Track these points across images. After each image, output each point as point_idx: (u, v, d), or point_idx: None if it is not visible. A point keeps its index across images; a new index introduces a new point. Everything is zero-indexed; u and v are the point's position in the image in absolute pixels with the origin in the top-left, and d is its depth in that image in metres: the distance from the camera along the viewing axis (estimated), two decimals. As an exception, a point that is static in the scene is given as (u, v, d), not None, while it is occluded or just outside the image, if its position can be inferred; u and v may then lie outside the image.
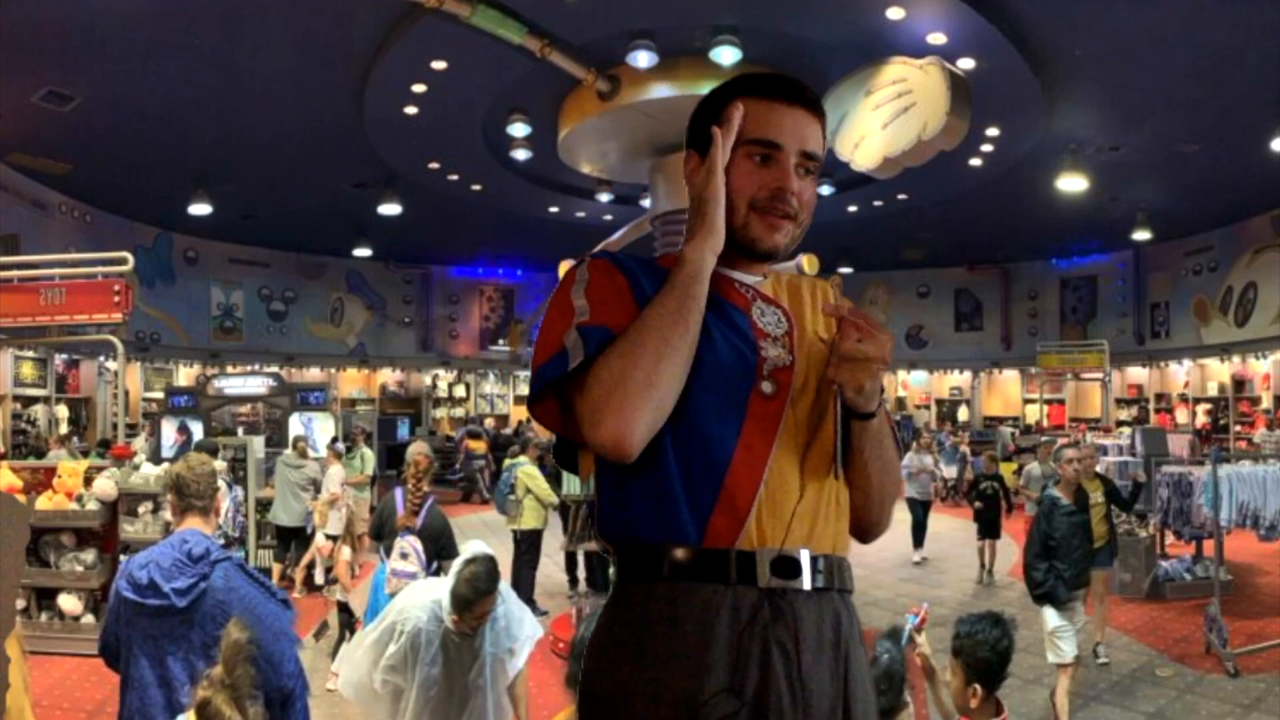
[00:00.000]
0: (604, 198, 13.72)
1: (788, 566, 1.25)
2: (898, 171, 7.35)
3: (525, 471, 8.30)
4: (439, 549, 5.00)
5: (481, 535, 8.90)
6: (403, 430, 17.76)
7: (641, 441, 1.22)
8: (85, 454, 10.38)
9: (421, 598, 3.42)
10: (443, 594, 3.31)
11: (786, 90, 1.39)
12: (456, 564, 3.36)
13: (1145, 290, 19.13)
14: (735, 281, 1.41)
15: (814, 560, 1.27)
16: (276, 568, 9.07)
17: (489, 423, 20.88)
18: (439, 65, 9.45)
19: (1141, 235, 16.31)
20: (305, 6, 8.50)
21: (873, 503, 1.40)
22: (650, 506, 1.27)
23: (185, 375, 17.70)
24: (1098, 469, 7.19)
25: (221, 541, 2.95)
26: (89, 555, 6.61)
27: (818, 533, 1.29)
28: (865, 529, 1.43)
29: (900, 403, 22.05)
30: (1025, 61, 9.18)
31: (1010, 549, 10.05)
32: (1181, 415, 18.12)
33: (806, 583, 1.25)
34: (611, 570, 1.37)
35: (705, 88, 1.82)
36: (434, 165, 12.92)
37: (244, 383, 13.29)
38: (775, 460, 1.28)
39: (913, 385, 22.47)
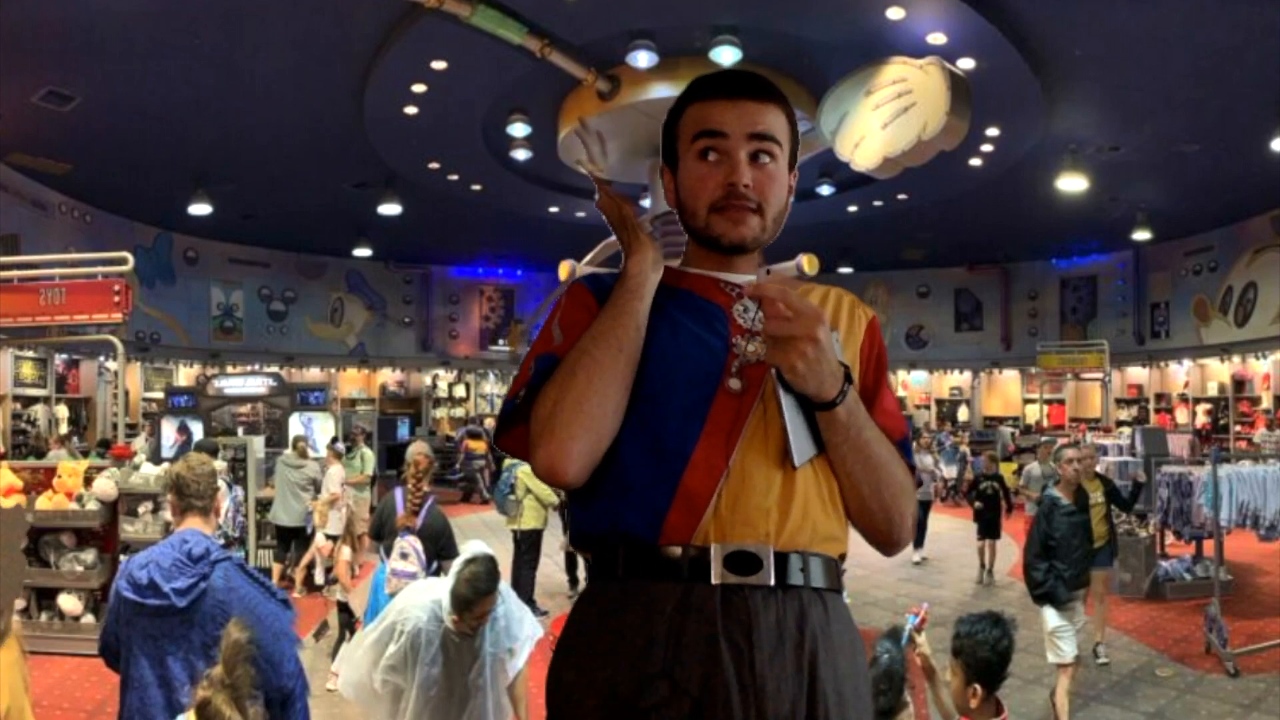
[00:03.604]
0: (604, 198, 13.70)
1: (746, 562, 1.23)
2: (898, 171, 7.35)
3: (525, 471, 8.28)
4: (439, 549, 5.00)
5: (481, 535, 8.89)
6: (403, 430, 17.76)
7: (579, 467, 1.24)
8: (85, 454, 10.38)
9: (421, 598, 3.42)
10: (443, 594, 3.31)
11: (728, 86, 1.40)
12: (456, 564, 3.36)
13: (1145, 290, 19.13)
14: (721, 282, 1.41)
15: (781, 557, 1.25)
16: (276, 568, 9.07)
17: (489, 423, 20.85)
18: (439, 65, 9.45)
19: (1141, 235, 16.31)
20: (305, 6, 8.50)
21: (869, 507, 1.34)
22: (610, 507, 1.28)
23: (185, 375, 17.70)
24: (1098, 469, 7.19)
25: (221, 541, 2.95)
26: (89, 555, 6.61)
27: (790, 529, 1.26)
28: (877, 539, 1.39)
29: (900, 403, 21.93)
30: (1025, 61, 9.18)
31: (1010, 549, 10.05)
32: (1181, 415, 18.12)
33: (770, 579, 1.23)
34: None
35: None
36: (434, 165, 12.92)
37: (244, 383, 13.29)
38: (740, 456, 1.26)
39: (913, 385, 22.46)
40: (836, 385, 1.26)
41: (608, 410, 1.25)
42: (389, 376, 21.74)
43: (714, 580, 1.22)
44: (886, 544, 1.40)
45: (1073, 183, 12.38)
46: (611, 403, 1.26)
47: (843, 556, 1.36)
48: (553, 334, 1.36)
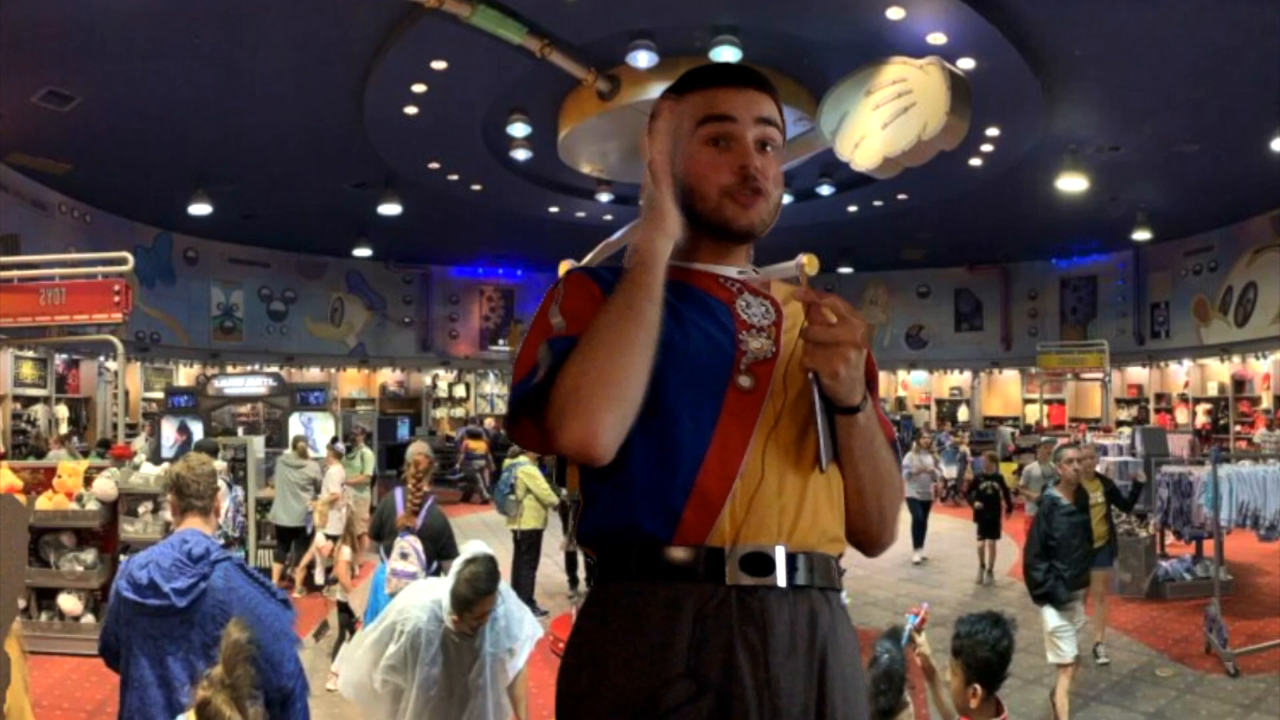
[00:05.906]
0: (604, 198, 13.73)
1: (760, 563, 1.22)
2: (898, 171, 7.32)
3: (525, 471, 8.30)
4: (439, 549, 5.00)
5: (481, 535, 8.90)
6: (403, 430, 17.76)
7: (610, 441, 1.19)
8: (85, 454, 10.38)
9: (421, 598, 3.42)
10: (443, 594, 3.31)
11: (730, 75, 1.42)
12: (456, 564, 3.36)
13: (1145, 290, 19.14)
14: (719, 276, 1.41)
15: (791, 557, 1.24)
16: (276, 568, 9.07)
17: (489, 423, 20.86)
18: (439, 65, 9.45)
19: (1141, 235, 16.32)
20: (305, 6, 8.50)
21: (869, 509, 1.36)
22: (621, 506, 1.25)
23: (185, 375, 17.71)
24: (1098, 469, 7.19)
25: (221, 541, 2.95)
26: (89, 555, 6.61)
27: (800, 529, 1.26)
28: (866, 540, 1.40)
29: (900, 403, 22.04)
30: (1025, 61, 9.19)
31: (1010, 549, 10.05)
32: (1181, 415, 18.12)
33: (781, 580, 1.23)
34: None
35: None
36: (434, 165, 12.92)
37: (244, 383, 13.29)
38: (752, 455, 1.26)
39: (913, 385, 22.46)
40: (861, 390, 1.28)
41: (632, 382, 1.21)
42: (389, 376, 21.75)
43: (729, 581, 1.21)
44: (875, 545, 1.41)
45: (1073, 183, 12.39)
46: (636, 374, 1.21)
47: (840, 556, 1.36)
48: (552, 321, 1.31)
